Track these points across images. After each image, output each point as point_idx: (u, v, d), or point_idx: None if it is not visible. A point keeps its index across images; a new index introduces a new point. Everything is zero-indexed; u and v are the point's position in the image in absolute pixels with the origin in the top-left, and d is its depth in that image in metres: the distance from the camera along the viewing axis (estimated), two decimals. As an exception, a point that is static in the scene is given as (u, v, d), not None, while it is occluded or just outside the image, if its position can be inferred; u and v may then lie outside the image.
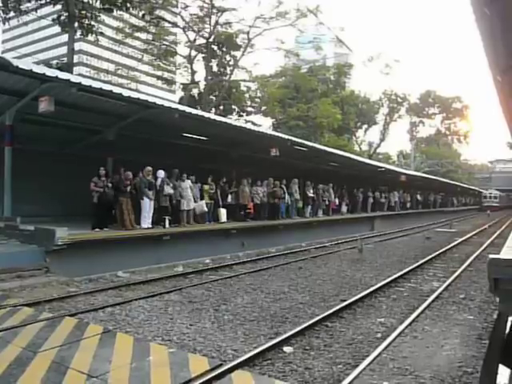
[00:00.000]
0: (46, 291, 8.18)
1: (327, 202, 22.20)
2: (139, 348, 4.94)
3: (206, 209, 14.60)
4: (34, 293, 8.00)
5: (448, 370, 4.92)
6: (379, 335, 6.12)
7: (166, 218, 12.98)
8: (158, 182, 12.86)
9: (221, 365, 4.59)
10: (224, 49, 31.74)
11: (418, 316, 7.01)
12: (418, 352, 5.46)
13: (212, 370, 4.41)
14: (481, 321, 6.90)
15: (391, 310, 7.55)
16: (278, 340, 5.59)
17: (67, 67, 20.16)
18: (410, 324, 6.56)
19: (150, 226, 12.46)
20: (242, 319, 6.77)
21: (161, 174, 13.02)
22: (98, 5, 21.44)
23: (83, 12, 20.69)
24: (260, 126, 33.98)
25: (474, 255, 14.29)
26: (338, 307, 7.31)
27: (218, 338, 5.82)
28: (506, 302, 4.60)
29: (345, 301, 7.82)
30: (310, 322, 6.43)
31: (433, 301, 8.07)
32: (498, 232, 23.99)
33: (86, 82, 10.44)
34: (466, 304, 8.03)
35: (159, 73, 34.86)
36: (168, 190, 13.00)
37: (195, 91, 32.74)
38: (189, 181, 13.95)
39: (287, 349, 5.48)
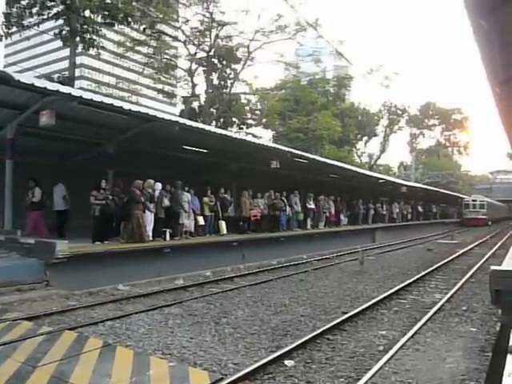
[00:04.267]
0: (46, 305, 8.15)
1: (328, 214, 22.18)
2: (139, 362, 4.90)
3: (202, 222, 14.66)
4: (34, 306, 7.96)
5: (451, 383, 4.87)
6: (381, 348, 6.08)
7: (167, 230, 12.99)
8: (156, 194, 12.87)
9: (222, 379, 4.55)
10: (224, 62, 31.96)
11: (420, 328, 6.96)
12: (421, 365, 5.41)
13: (213, 384, 4.38)
14: (483, 333, 6.84)
15: (393, 323, 7.50)
16: (279, 353, 5.55)
17: (68, 81, 20.33)
18: (412, 336, 6.51)
19: (151, 238, 12.44)
20: (242, 332, 6.73)
21: (158, 186, 13.04)
22: (99, 19, 21.69)
23: (85, 26, 20.90)
24: (260, 138, 34.10)
25: (476, 267, 14.22)
26: (339, 320, 7.26)
27: (218, 352, 5.77)
28: (508, 313, 4.58)
29: (346, 313, 7.77)
30: (312, 334, 6.39)
31: (435, 313, 8.02)
32: (499, 243, 23.91)
33: (86, 95, 10.52)
34: (469, 316, 7.97)
35: (160, 86, 35.10)
36: (166, 202, 13.00)
37: (196, 104, 32.93)
38: (187, 193, 13.96)
39: (288, 362, 5.43)
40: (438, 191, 42.44)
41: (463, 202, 50.15)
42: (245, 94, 34.94)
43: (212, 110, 32.95)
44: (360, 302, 8.88)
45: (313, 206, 20.70)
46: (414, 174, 55.23)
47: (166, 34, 30.62)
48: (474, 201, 49.13)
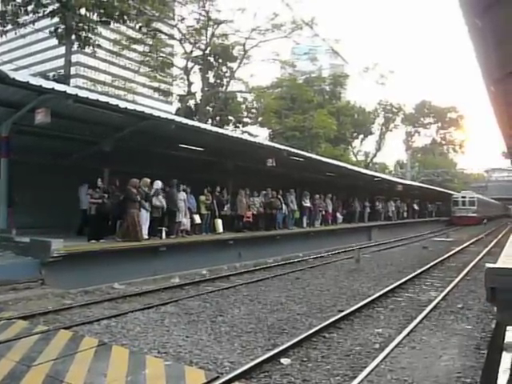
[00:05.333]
0: (41, 304, 8.12)
1: (324, 212, 22.20)
2: (135, 361, 4.89)
3: (198, 221, 14.61)
4: (29, 305, 7.93)
5: (447, 380, 4.88)
6: (377, 346, 6.09)
7: (163, 229, 12.95)
8: (152, 192, 12.79)
9: (218, 377, 4.54)
10: (220, 60, 31.94)
11: (415, 326, 6.98)
12: (417, 363, 5.42)
13: (209, 382, 4.37)
14: (479, 330, 6.87)
15: (389, 321, 7.51)
16: (276, 352, 5.54)
17: (64, 79, 20.26)
18: (407, 334, 6.52)
19: (147, 237, 12.41)
20: (239, 331, 6.73)
21: (158, 184, 12.97)
22: (95, 17, 21.59)
23: (80, 24, 20.83)
24: (256, 136, 34.11)
25: (471, 264, 14.27)
26: (335, 318, 7.27)
27: (214, 350, 5.77)
28: (503, 311, 4.60)
29: (342, 311, 7.78)
30: (308, 333, 6.39)
31: (430, 311, 8.04)
32: (494, 241, 24.01)
33: (82, 93, 10.49)
34: (464, 313, 8.00)
35: (156, 84, 35.03)
36: (156, 202, 12.76)
37: (192, 102, 32.88)
38: (183, 192, 13.90)
39: (284, 360, 5.43)
40: (433, 189, 42.53)
41: (452, 198, 46.12)
42: (241, 92, 34.92)
43: (208, 108, 32.93)
44: (356, 300, 8.89)
45: (309, 205, 20.70)
46: (410, 172, 55.27)
47: (162, 32, 30.52)
48: (463, 197, 45.28)
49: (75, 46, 22.25)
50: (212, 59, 31.63)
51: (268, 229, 17.47)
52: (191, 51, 30.88)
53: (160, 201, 12.88)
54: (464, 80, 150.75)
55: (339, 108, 44.01)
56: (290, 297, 9.34)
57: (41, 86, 9.43)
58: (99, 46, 23.23)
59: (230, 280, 11.55)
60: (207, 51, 30.42)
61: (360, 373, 4.98)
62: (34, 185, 12.51)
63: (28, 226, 11.46)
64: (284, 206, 18.77)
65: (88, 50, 23.11)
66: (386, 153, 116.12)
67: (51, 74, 23.93)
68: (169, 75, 34.49)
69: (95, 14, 21.43)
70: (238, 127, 36.31)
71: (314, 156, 21.38)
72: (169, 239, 12.94)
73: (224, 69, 32.86)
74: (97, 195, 11.70)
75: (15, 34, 21.85)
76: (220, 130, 15.93)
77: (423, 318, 7.47)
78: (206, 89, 31.53)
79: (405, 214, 34.30)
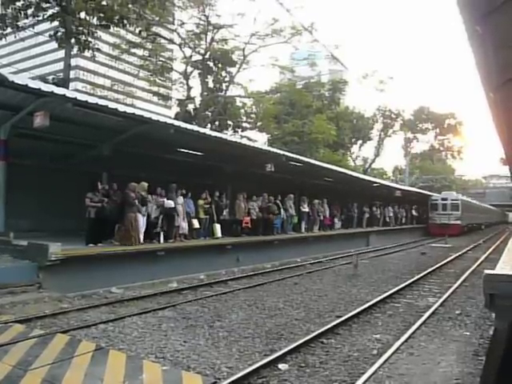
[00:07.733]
0: (38, 307, 8.08)
1: (322, 218, 22.19)
2: (132, 366, 4.86)
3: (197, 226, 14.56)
4: (26, 309, 7.90)
5: (445, 387, 4.87)
6: (375, 352, 6.07)
7: (161, 233, 12.92)
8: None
9: (215, 383, 4.53)
10: (220, 65, 32.03)
11: (414, 332, 6.97)
12: (415, 369, 5.41)
13: (206, 388, 4.34)
14: (477, 337, 6.86)
15: (387, 326, 7.50)
16: (273, 357, 5.54)
17: (63, 82, 20.26)
18: (406, 340, 6.52)
19: (142, 241, 12.33)
20: (236, 336, 6.71)
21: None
22: (94, 21, 21.62)
23: (80, 28, 20.82)
24: (255, 141, 34.13)
25: (470, 270, 14.28)
26: (333, 323, 7.26)
27: (212, 355, 5.75)
28: (501, 317, 4.58)
29: (340, 317, 7.77)
30: (306, 338, 6.38)
31: (429, 317, 8.04)
32: (492, 247, 24.01)
33: (81, 97, 10.47)
34: (462, 320, 7.99)
35: (155, 88, 35.09)
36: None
37: (191, 107, 32.94)
38: (181, 197, 13.86)
39: (282, 366, 5.41)
40: (430, 195, 42.39)
41: (429, 201, 37.26)
42: (240, 97, 34.98)
43: (207, 112, 32.96)
44: (354, 306, 8.89)
45: (307, 210, 20.69)
46: (409, 178, 55.24)
47: (162, 37, 30.61)
48: (443, 199, 36.40)
49: (75, 50, 22.22)
50: (211, 64, 31.72)
51: (266, 234, 17.43)
52: (191, 56, 30.99)
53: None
54: (463, 86, 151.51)
55: (338, 113, 44.10)
56: (288, 302, 9.33)
57: (40, 88, 9.41)
58: (99, 50, 23.24)
59: (228, 285, 11.53)
60: (207, 56, 30.52)
61: (358, 379, 4.96)
62: (34, 188, 12.49)
63: (26, 230, 11.43)
64: (282, 211, 18.75)
65: (87, 53, 23.09)
66: (385, 158, 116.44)
67: (50, 78, 23.91)
68: (168, 79, 34.54)
69: (95, 18, 21.45)
70: (237, 132, 36.36)
71: (312, 161, 21.36)
72: (167, 243, 12.90)
73: (223, 73, 32.95)
74: (96, 199, 11.65)
75: (15, 37, 21.76)
76: (219, 135, 15.93)
77: (421, 324, 7.47)
78: (205, 93, 31.59)
79: (403, 220, 34.29)
